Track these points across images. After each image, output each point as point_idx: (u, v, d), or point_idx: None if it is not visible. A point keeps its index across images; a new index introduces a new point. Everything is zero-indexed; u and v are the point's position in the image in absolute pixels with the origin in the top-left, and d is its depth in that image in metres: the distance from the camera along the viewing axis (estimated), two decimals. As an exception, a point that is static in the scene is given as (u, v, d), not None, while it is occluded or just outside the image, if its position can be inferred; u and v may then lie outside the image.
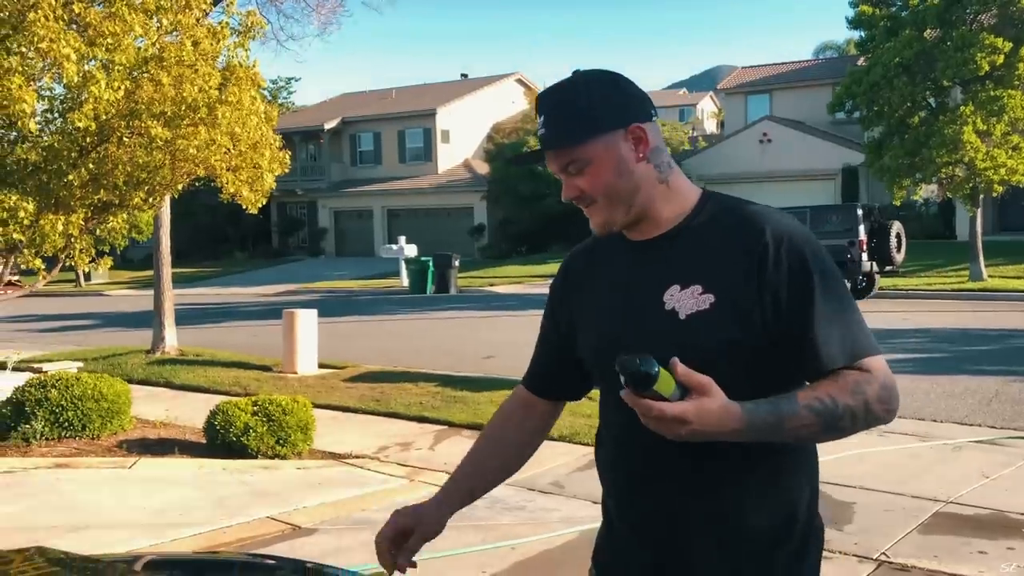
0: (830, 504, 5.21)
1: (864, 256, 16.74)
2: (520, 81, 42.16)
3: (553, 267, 26.96)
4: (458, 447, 6.84)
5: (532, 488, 5.48)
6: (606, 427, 1.62)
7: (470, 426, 7.21)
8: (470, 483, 1.71)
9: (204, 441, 6.56)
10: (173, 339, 11.63)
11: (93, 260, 7.10)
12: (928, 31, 19.02)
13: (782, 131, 31.32)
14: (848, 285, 16.47)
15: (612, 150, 1.48)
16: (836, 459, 6.10)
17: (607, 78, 1.53)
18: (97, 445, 6.59)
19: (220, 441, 6.34)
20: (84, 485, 5.56)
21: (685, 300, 1.45)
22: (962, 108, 18.21)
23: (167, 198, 10.91)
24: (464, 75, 44.80)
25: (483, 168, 35.75)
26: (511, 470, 1.74)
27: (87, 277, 33.43)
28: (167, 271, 11.52)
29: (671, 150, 33.92)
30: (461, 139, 38.25)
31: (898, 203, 20.62)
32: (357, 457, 6.47)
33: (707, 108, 60.75)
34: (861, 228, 16.71)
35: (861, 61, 21.75)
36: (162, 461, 6.12)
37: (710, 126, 56.47)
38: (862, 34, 20.72)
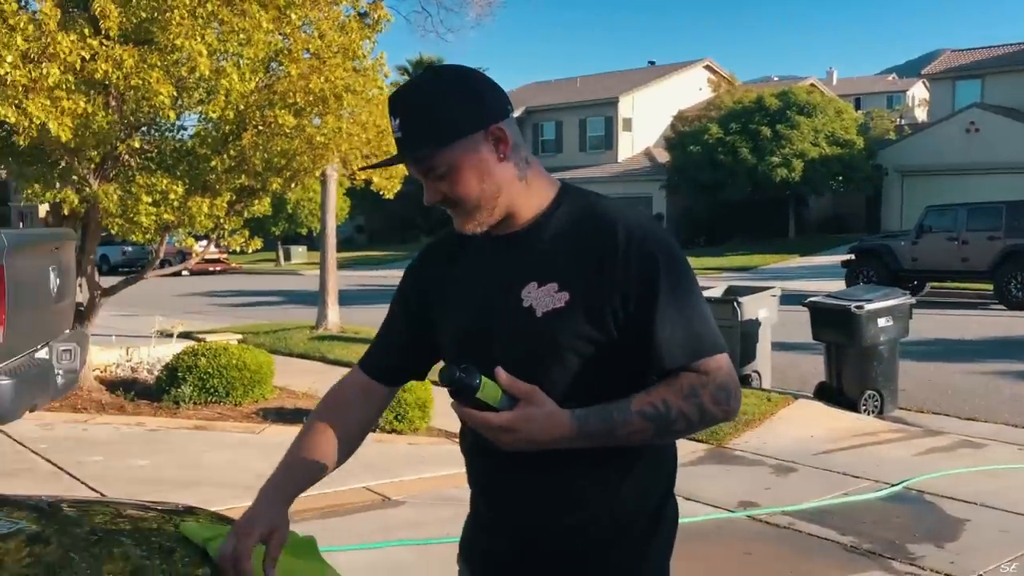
0: (939, 519, 4.87)
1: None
2: (709, 67, 41.22)
3: (734, 259, 26.41)
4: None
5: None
6: None
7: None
8: (302, 473, 1.58)
9: (333, 413, 6.95)
10: (336, 317, 12.31)
11: (246, 240, 7.59)
12: None
13: (993, 119, 28.86)
14: None
15: (473, 154, 1.45)
16: (966, 472, 5.67)
17: (461, 77, 1.49)
18: (238, 411, 7.14)
19: (345, 414, 6.70)
20: (212, 446, 6.07)
21: (541, 298, 1.46)
22: None
23: (332, 184, 11.61)
24: (651, 62, 44.35)
25: (664, 157, 35.24)
26: (341, 460, 1.63)
27: (287, 257, 35.95)
28: (332, 253, 12.22)
29: (876, 138, 31.96)
30: (643, 127, 37.88)
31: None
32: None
33: (919, 94, 56.81)
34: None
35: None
36: (288, 429, 6.55)
37: (921, 114, 52.89)
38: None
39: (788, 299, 9.49)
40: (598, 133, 37.68)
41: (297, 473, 1.58)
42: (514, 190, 1.50)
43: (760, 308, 8.19)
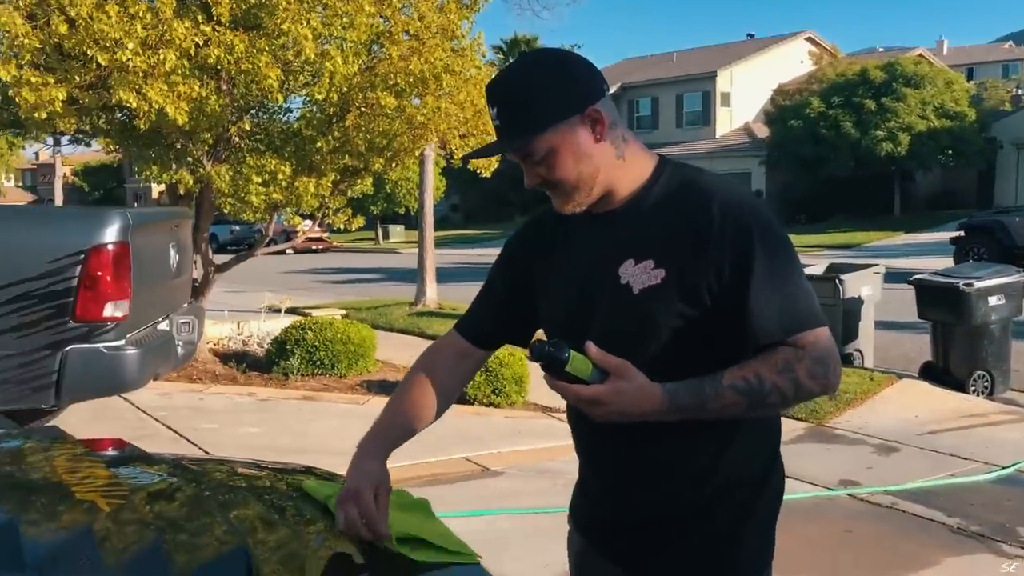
0: (1053, 503, 4.71)
1: None
2: (811, 39, 40.01)
3: (836, 237, 25.68)
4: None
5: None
6: None
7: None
8: (400, 427, 1.65)
9: (433, 386, 7.14)
10: (433, 294, 12.55)
11: (349, 219, 7.84)
12: None
13: (1119, 87, 27.18)
14: None
15: (570, 137, 1.47)
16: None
17: (557, 62, 1.51)
18: (343, 383, 7.39)
19: (444, 387, 6.87)
20: (319, 416, 6.32)
21: (638, 275, 1.47)
22: None
23: (430, 164, 11.82)
24: (751, 35, 43.32)
25: (764, 132, 34.43)
26: (435, 418, 1.69)
27: (385, 235, 36.66)
28: (429, 231, 12.45)
29: (990, 110, 30.51)
30: (742, 102, 37.07)
31: None
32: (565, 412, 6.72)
33: (1039, 63, 53.71)
34: None
35: None
36: (390, 401, 6.76)
37: (1040, 83, 50.08)
38: None
39: (893, 277, 9.24)
40: (695, 108, 37.06)
41: (397, 427, 1.64)
42: (612, 169, 1.52)
43: (863, 286, 8.01)
